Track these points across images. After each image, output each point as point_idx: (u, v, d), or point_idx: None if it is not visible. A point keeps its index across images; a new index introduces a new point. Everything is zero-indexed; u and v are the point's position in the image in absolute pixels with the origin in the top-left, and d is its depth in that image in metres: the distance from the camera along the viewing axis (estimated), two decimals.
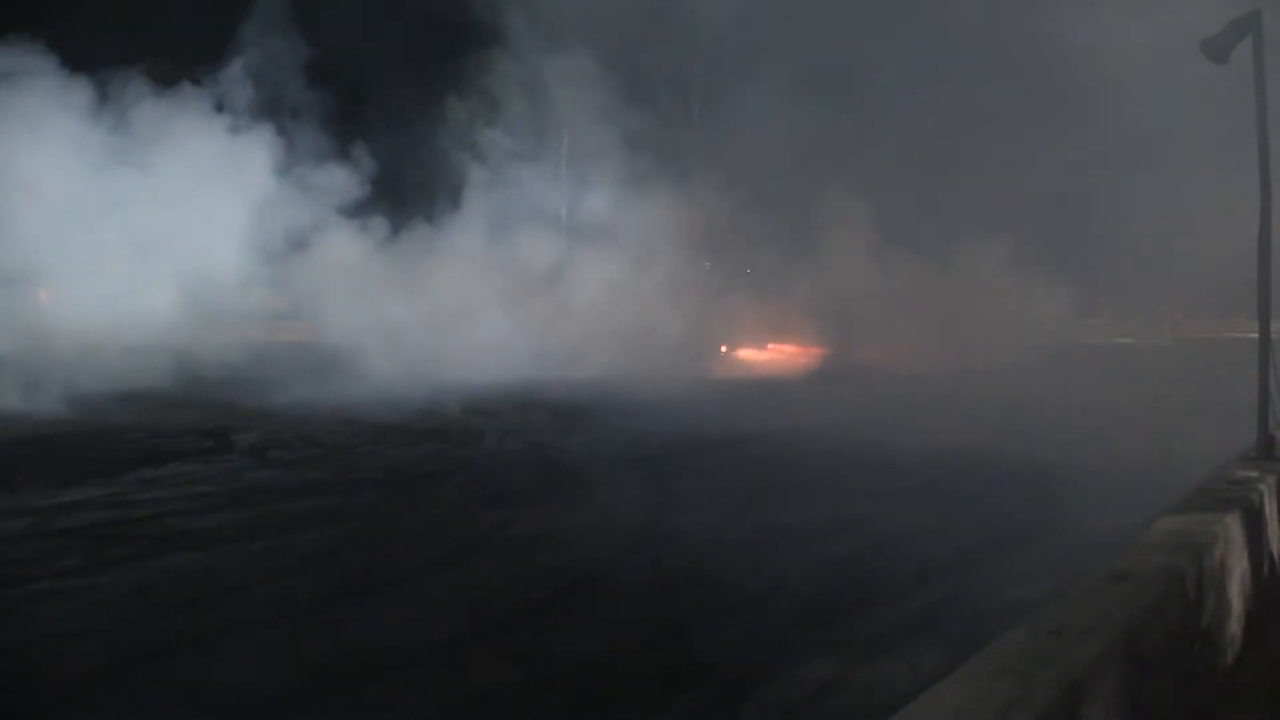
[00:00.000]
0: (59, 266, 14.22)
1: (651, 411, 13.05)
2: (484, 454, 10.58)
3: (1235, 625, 3.56)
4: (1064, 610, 2.46)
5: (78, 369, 13.67)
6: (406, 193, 18.92)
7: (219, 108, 15.89)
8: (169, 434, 11.35)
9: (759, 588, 5.70)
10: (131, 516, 7.39)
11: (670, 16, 19.80)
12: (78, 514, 7.42)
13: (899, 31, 18.51)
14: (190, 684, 4.29)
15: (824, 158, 18.76)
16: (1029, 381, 14.91)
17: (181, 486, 8.62)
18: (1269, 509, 4.27)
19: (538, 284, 18.93)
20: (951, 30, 17.71)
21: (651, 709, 4.09)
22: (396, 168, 18.56)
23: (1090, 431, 11.02)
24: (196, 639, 4.82)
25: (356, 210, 17.34)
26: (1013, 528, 6.84)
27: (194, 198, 15.13)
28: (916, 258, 18.79)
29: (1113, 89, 16.14)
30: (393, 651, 4.68)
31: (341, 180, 16.89)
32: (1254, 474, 4.46)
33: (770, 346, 21.43)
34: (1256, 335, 5.63)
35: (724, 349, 20.85)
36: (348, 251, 17.29)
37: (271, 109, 16.36)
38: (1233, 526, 3.62)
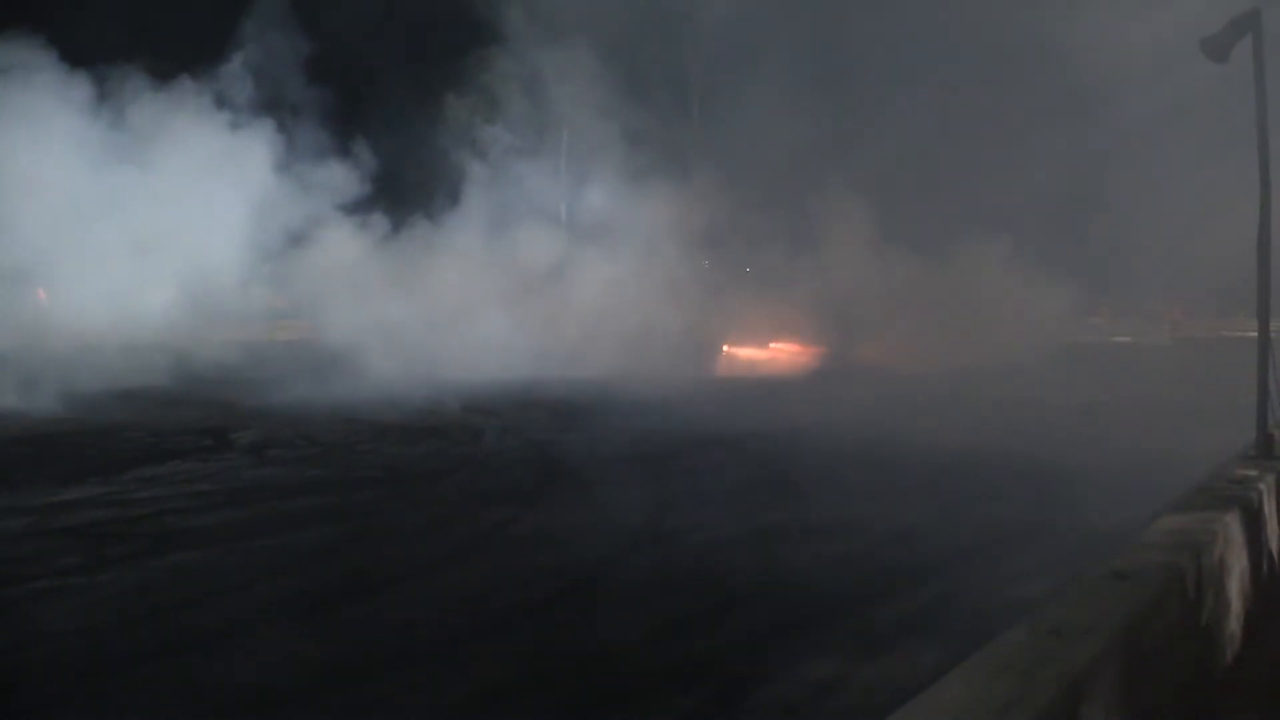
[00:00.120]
0: (57, 264, 14.20)
1: (652, 411, 13.05)
2: (484, 452, 10.58)
3: (1235, 624, 3.56)
4: (1064, 609, 2.46)
5: (76, 367, 13.67)
6: (406, 191, 18.92)
7: (218, 105, 15.86)
8: (168, 432, 11.35)
9: (759, 586, 5.70)
10: (131, 515, 7.39)
11: (670, 14, 19.80)
12: (77, 512, 7.41)
13: (899, 29, 18.50)
14: (190, 683, 4.29)
15: (824, 156, 18.76)
16: (1029, 381, 14.91)
17: (181, 485, 8.62)
18: (1268, 508, 4.27)
19: (538, 282, 18.93)
20: (952, 28, 17.71)
21: (652, 708, 4.09)
22: (396, 166, 18.56)
23: (1090, 431, 11.03)
24: (196, 638, 4.82)
25: (356, 208, 17.33)
26: (1013, 527, 6.85)
27: (193, 195, 15.11)
28: (917, 257, 18.80)
29: (1113, 87, 16.14)
30: (392, 650, 4.68)
31: (341, 178, 16.88)
32: (1253, 473, 4.46)
33: (771, 346, 21.43)
34: (1256, 334, 5.63)
35: (725, 348, 20.85)
36: (347, 250, 17.28)
37: (271, 106, 16.34)
38: (1232, 525, 3.62)
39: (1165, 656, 2.70)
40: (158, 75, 15.29)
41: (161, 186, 14.88)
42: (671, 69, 22.06)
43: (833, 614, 5.17)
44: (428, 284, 17.49)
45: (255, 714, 4.02)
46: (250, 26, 16.64)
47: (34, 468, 9.23)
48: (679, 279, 19.36)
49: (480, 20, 19.55)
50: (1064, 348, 18.97)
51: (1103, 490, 7.50)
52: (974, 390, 14.15)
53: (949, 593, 5.48)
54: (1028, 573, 5.58)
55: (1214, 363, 13.45)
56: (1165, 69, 11.99)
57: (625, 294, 18.43)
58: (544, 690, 4.26)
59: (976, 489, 8.21)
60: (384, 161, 17.93)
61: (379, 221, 17.76)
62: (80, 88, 14.39)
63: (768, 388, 17.15)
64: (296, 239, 16.79)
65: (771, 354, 21.25)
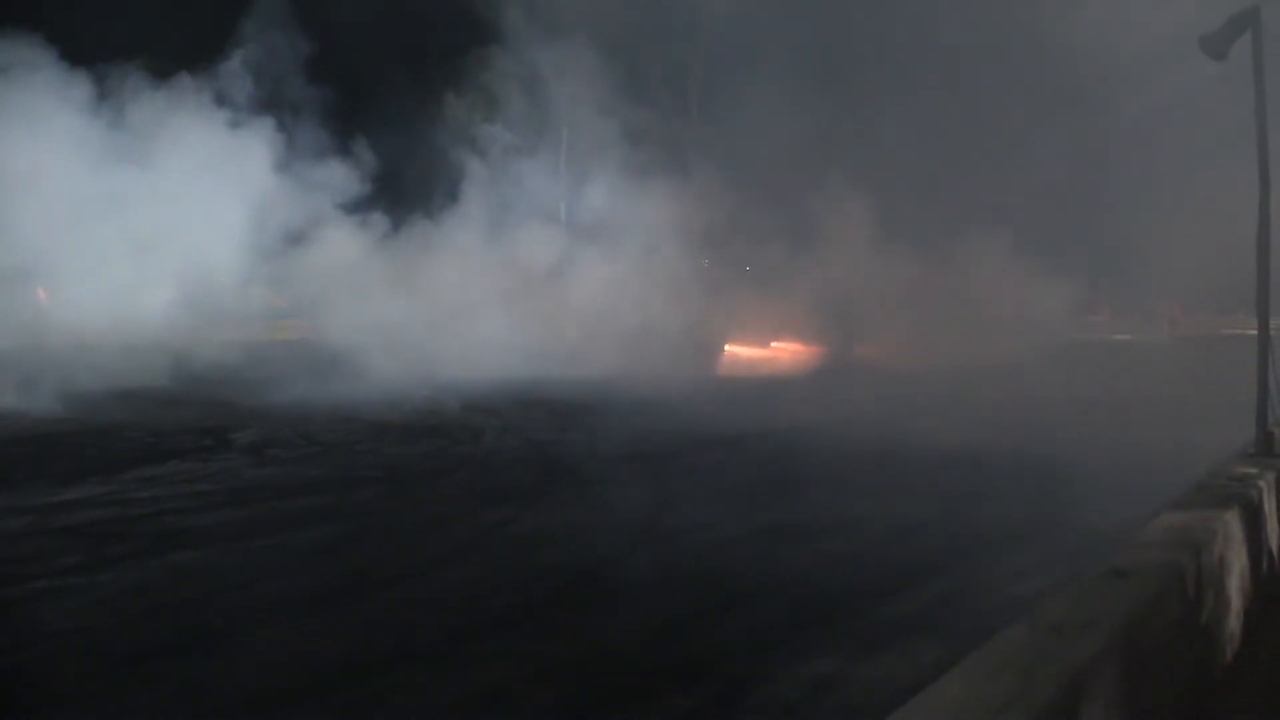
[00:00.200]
0: (56, 264, 14.18)
1: (652, 410, 13.05)
2: (484, 452, 10.58)
3: (1234, 622, 3.56)
4: (1064, 607, 2.46)
5: (76, 367, 13.66)
6: (406, 190, 18.91)
7: (218, 103, 15.84)
8: (167, 432, 11.34)
9: (759, 585, 5.71)
10: (130, 515, 7.39)
11: (670, 10, 19.78)
12: (77, 512, 7.41)
13: (900, 26, 18.49)
14: (190, 682, 4.29)
15: (825, 153, 18.75)
16: (1029, 379, 14.91)
17: (180, 485, 8.61)
18: (1268, 506, 4.27)
19: (537, 282, 18.93)
20: (952, 25, 17.69)
21: (652, 707, 4.09)
22: (396, 165, 18.55)
23: (1090, 429, 11.03)
24: (196, 637, 4.82)
25: (356, 207, 17.33)
26: (1013, 525, 6.85)
27: (192, 194, 15.09)
28: (917, 255, 18.80)
29: (1113, 86, 16.13)
30: (392, 649, 4.68)
31: (341, 177, 16.86)
32: (1253, 471, 4.46)
33: (772, 345, 21.44)
34: (1255, 332, 5.63)
35: (727, 347, 20.86)
36: (347, 249, 17.27)
37: (271, 105, 16.32)
38: (1232, 523, 3.62)
39: (1165, 654, 2.70)
40: (157, 74, 15.27)
41: (161, 185, 14.86)
42: (671, 67, 22.05)
43: (833, 613, 5.17)
44: (427, 283, 17.49)
45: (255, 713, 4.01)
46: (249, 25, 16.63)
47: (34, 467, 9.23)
48: (679, 278, 19.36)
49: (480, 19, 19.55)
50: (1064, 346, 18.98)
51: (1103, 488, 7.50)
52: (974, 389, 14.15)
53: (949, 591, 5.48)
54: (1028, 571, 5.58)
55: (1213, 361, 13.45)
56: (1165, 66, 11.99)
57: (625, 293, 18.43)
58: (544, 689, 4.26)
59: (977, 487, 8.21)
60: (384, 161, 17.92)
61: (379, 221, 17.76)
62: (80, 86, 14.37)
63: (768, 387, 17.15)
64: (296, 238, 16.78)
65: (772, 353, 21.25)
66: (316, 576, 5.95)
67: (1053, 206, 19.31)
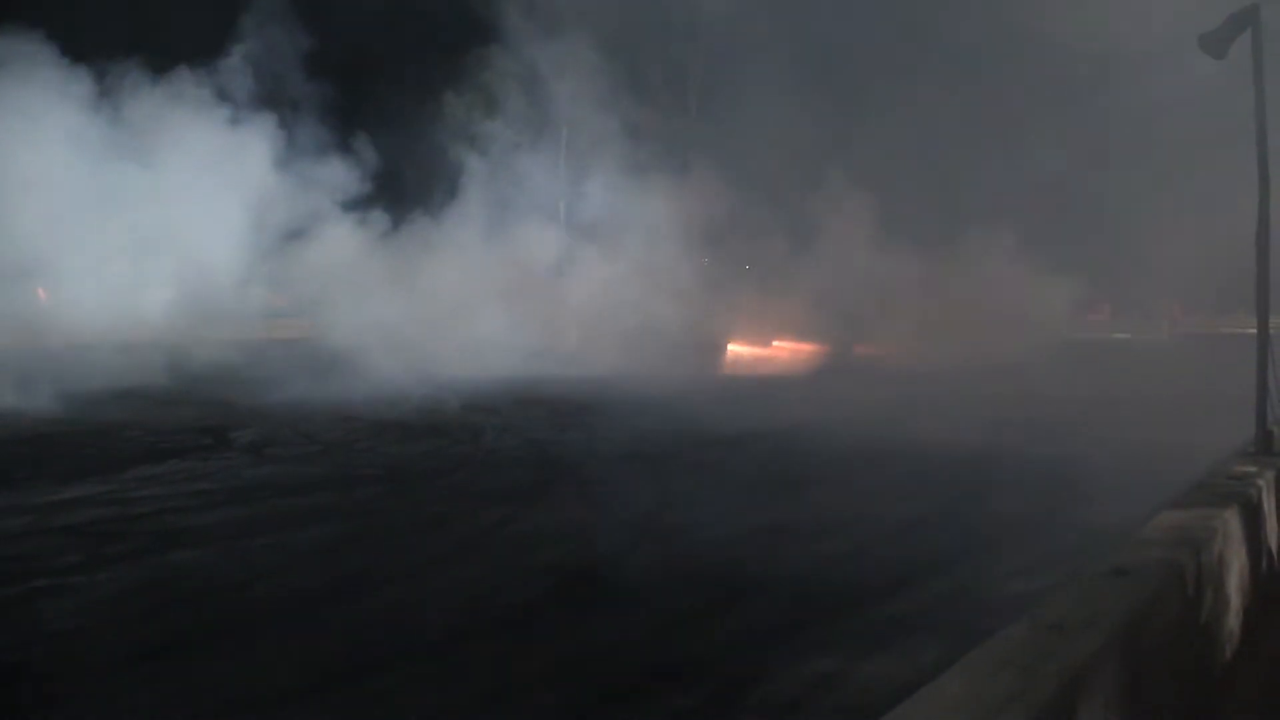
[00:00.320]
0: (56, 262, 14.16)
1: (652, 409, 13.06)
2: (483, 451, 10.58)
3: (1233, 620, 3.56)
4: (1064, 605, 2.46)
5: (75, 367, 13.65)
6: (405, 188, 18.91)
7: (217, 101, 15.81)
8: (167, 431, 11.34)
9: (759, 583, 5.71)
10: (130, 514, 7.38)
11: (669, 9, 19.77)
12: (76, 511, 7.41)
13: (901, 24, 18.48)
14: (189, 681, 4.29)
15: (825, 151, 18.75)
16: (1030, 378, 14.93)
17: (180, 484, 8.61)
18: (1267, 504, 4.27)
19: (537, 280, 18.93)
20: (952, 22, 17.68)
21: (652, 705, 4.09)
22: (395, 163, 18.54)
23: (1090, 427, 11.04)
24: (195, 636, 4.82)
25: (355, 205, 17.31)
26: (1014, 523, 6.85)
27: (191, 192, 15.07)
28: (918, 254, 18.81)
29: (1113, 84, 16.14)
30: (392, 648, 4.68)
31: (340, 175, 16.85)
32: (1252, 469, 4.46)
33: (774, 344, 21.46)
34: (1255, 331, 5.63)
35: (730, 346, 20.88)
36: (346, 247, 17.26)
37: (271, 102, 16.30)
38: (1231, 522, 3.62)
39: (1165, 652, 2.70)
40: (156, 70, 15.25)
41: (160, 183, 14.85)
42: (670, 65, 22.05)
43: (833, 611, 5.17)
44: (427, 282, 17.48)
45: (255, 713, 4.01)
46: (249, 22, 16.61)
47: (33, 467, 9.22)
48: (680, 277, 19.36)
49: (480, 17, 19.54)
50: (1064, 345, 19.00)
51: (1103, 487, 7.51)
52: (974, 388, 14.16)
53: (950, 589, 5.48)
54: (1029, 569, 5.59)
55: (1213, 359, 13.47)
56: (1166, 65, 11.99)
57: (625, 292, 18.43)
58: (544, 689, 4.26)
59: (977, 486, 8.22)
60: (383, 159, 17.91)
61: (378, 219, 17.75)
62: (79, 83, 14.34)
63: (770, 386, 17.16)
64: (295, 237, 16.77)
65: (774, 352, 21.27)
66: (316, 576, 5.95)
67: (1053, 205, 19.32)
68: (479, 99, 20.65)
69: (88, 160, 14.27)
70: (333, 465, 9.64)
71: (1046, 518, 6.91)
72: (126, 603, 5.36)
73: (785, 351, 21.22)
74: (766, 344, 21.56)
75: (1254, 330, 5.64)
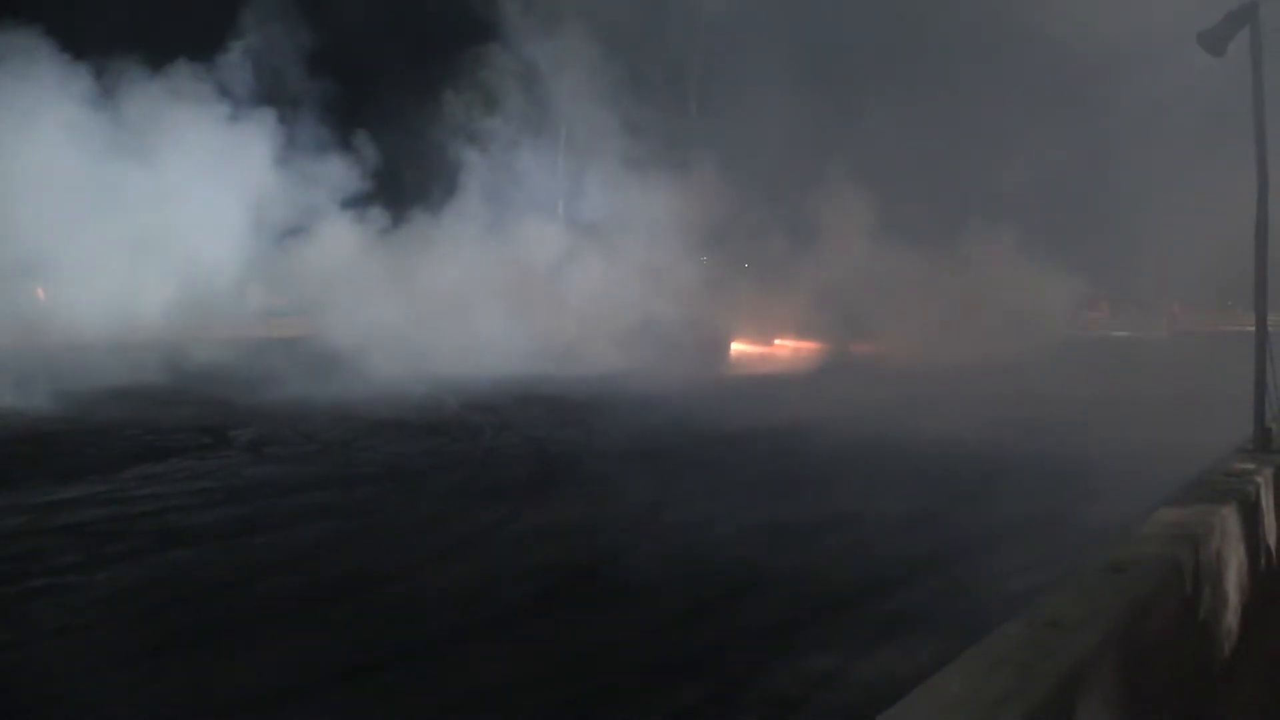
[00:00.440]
0: (54, 261, 14.15)
1: (653, 407, 13.06)
2: (482, 449, 10.58)
3: (1231, 617, 3.56)
4: (1062, 602, 2.46)
5: (73, 366, 13.65)
6: (404, 186, 18.90)
7: (217, 98, 15.78)
8: (166, 430, 11.33)
9: (759, 581, 5.71)
10: (130, 513, 7.38)
11: (668, 6, 19.75)
12: (75, 511, 7.40)
13: (901, 21, 18.46)
14: (189, 680, 4.29)
15: (825, 149, 18.75)
16: (1030, 376, 14.94)
17: (180, 483, 8.61)
18: (1265, 501, 4.27)
19: (536, 278, 18.92)
20: (952, 20, 17.67)
21: (653, 703, 4.09)
22: (394, 161, 18.53)
23: (1089, 425, 11.04)
24: (194, 635, 4.82)
25: (354, 203, 17.30)
26: (1013, 520, 6.86)
27: (190, 189, 15.05)
28: (919, 252, 18.83)
29: (1113, 81, 16.13)
30: (392, 646, 4.68)
31: (338, 173, 16.83)
32: (1250, 466, 4.46)
33: (777, 342, 21.49)
34: (1254, 328, 5.63)
35: (734, 345, 20.90)
36: (345, 246, 17.25)
37: (270, 98, 16.28)
38: (1229, 519, 3.62)
39: (1163, 649, 2.70)
40: (155, 67, 15.22)
41: (159, 181, 14.82)
42: (669, 62, 22.03)
43: (832, 608, 5.18)
44: (426, 280, 17.48)
45: (254, 711, 4.01)
46: (249, 19, 16.58)
47: (32, 466, 9.22)
48: (680, 274, 19.37)
49: (479, 15, 19.52)
50: (1064, 343, 19.02)
51: (1102, 484, 7.52)
52: (975, 386, 14.17)
53: (949, 587, 5.49)
54: (1028, 567, 5.59)
55: (1212, 357, 13.47)
56: (1165, 61, 11.98)
57: (625, 289, 18.43)
58: (544, 686, 4.26)
59: (977, 484, 8.23)
60: (382, 157, 17.90)
61: (377, 217, 17.74)
62: (78, 80, 14.30)
63: (770, 384, 17.15)
64: (294, 235, 16.76)
65: (775, 350, 21.30)
66: (316, 574, 5.95)
67: (1053, 203, 19.33)
68: (478, 97, 20.64)
69: (86, 157, 14.24)
70: (332, 464, 9.64)
71: (1046, 516, 6.92)
72: (125, 602, 5.36)
73: (787, 350, 21.25)
74: (769, 342, 21.59)
75: (1253, 328, 5.64)
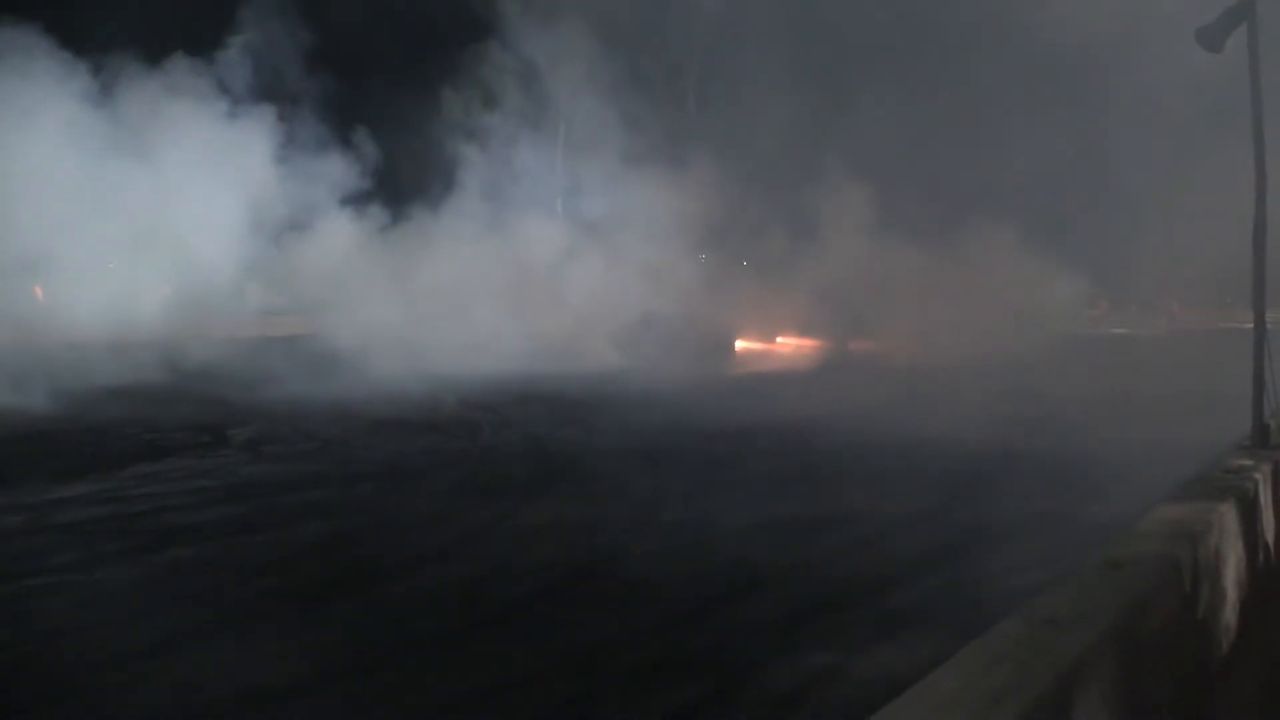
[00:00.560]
0: (52, 259, 14.13)
1: (653, 405, 13.05)
2: (481, 447, 10.57)
3: (1230, 614, 3.56)
4: (1059, 599, 2.46)
5: (71, 364, 13.63)
6: (402, 185, 18.88)
7: (215, 95, 15.75)
8: (164, 429, 11.33)
9: (758, 578, 5.71)
10: (128, 512, 7.38)
11: (667, 1, 19.73)
12: (74, 510, 7.40)
13: (901, 16, 18.44)
14: (188, 679, 4.29)
15: (825, 146, 18.74)
16: (1030, 373, 14.96)
17: (178, 481, 8.61)
18: (1264, 497, 4.27)
19: (536, 275, 18.93)
20: (952, 16, 17.65)
21: (652, 702, 4.10)
22: (393, 158, 18.52)
23: (1089, 422, 11.04)
24: (194, 634, 4.82)
25: (353, 200, 17.29)
26: (1012, 518, 6.86)
27: (188, 188, 15.03)
28: (919, 250, 18.83)
29: (1113, 79, 16.13)
30: (392, 644, 4.68)
31: (337, 171, 16.82)
32: (1249, 463, 4.46)
33: (779, 340, 21.51)
34: (1252, 325, 5.63)
35: (738, 343, 20.92)
36: (343, 244, 17.24)
37: (269, 95, 16.25)
38: (1227, 515, 3.62)
39: (1161, 646, 2.70)
40: (153, 63, 15.19)
41: (157, 178, 14.80)
42: (668, 59, 22.02)
43: (833, 605, 5.18)
44: (424, 277, 17.47)
45: (254, 710, 4.01)
46: (247, 15, 16.55)
47: (30, 465, 9.21)
48: (680, 272, 19.37)
49: (478, 12, 19.50)
50: (1063, 340, 19.03)
51: (1102, 482, 7.52)
52: (975, 383, 14.17)
53: (949, 583, 5.49)
54: (1027, 564, 5.59)
55: (1211, 354, 13.48)
56: (1165, 58, 11.96)
57: (624, 287, 18.43)
58: (543, 685, 4.26)
59: (976, 481, 8.23)
60: (381, 154, 17.88)
61: (375, 215, 17.73)
62: (76, 76, 14.26)
63: (770, 383, 17.16)
64: (292, 234, 16.74)
65: (776, 348, 21.32)
66: (315, 572, 5.95)
67: (1053, 200, 19.34)
68: (477, 94, 20.63)
69: (84, 155, 14.22)
70: (330, 462, 9.63)
71: (1046, 514, 6.92)
72: (124, 600, 5.35)
73: (788, 348, 21.28)
74: (771, 340, 21.62)
75: (1251, 325, 5.64)
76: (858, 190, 18.83)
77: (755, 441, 10.76)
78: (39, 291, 15.11)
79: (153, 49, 15.25)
